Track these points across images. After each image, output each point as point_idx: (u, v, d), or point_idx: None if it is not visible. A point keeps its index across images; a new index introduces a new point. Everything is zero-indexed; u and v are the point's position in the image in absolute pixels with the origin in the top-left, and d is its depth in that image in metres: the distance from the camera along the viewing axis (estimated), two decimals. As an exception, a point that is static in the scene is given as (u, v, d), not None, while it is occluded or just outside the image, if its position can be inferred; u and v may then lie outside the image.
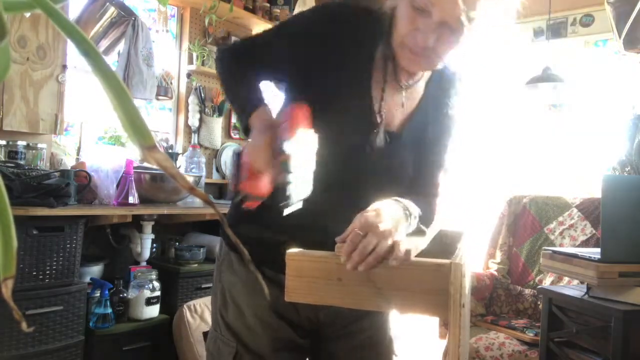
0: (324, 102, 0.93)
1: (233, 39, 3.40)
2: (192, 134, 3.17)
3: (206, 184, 3.10)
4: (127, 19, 2.59)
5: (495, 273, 2.69)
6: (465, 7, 0.84)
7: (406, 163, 1.02)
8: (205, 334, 2.30)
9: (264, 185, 0.82)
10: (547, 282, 2.52)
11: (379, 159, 0.98)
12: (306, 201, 0.84)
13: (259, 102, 0.94)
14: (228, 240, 1.07)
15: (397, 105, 1.01)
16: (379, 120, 0.98)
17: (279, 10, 3.61)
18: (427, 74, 1.05)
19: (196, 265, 2.54)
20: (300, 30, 1.00)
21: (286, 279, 0.80)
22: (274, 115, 0.93)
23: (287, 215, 0.87)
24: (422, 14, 0.87)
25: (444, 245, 1.01)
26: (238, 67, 1.03)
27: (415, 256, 0.78)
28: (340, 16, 0.99)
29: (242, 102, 0.96)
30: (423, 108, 1.04)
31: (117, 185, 2.26)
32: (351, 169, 0.98)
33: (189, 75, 3.16)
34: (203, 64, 3.14)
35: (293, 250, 0.82)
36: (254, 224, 0.98)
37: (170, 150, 3.01)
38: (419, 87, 1.05)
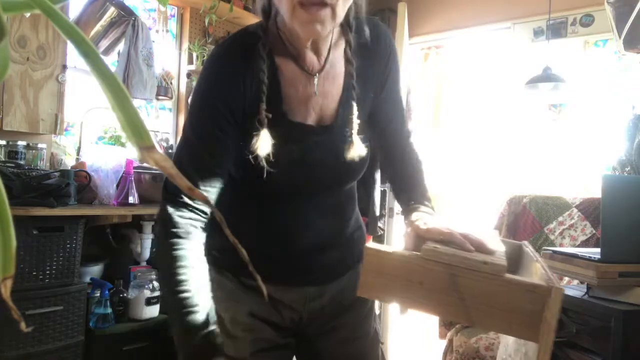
0: (257, 129, 0.87)
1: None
2: (192, 134, 3.16)
3: (206, 184, 3.10)
4: (127, 19, 2.59)
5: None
6: None
7: (356, 149, 0.95)
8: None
9: None
10: (547, 282, 2.52)
11: (322, 157, 0.94)
12: (273, 214, 0.85)
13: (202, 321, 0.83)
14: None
15: (322, 94, 0.95)
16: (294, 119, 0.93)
17: (279, 10, 3.61)
18: (339, 50, 0.96)
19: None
20: (215, 102, 0.90)
21: (362, 273, 0.75)
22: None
23: (259, 225, 0.92)
24: None
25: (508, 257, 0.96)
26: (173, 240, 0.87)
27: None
28: (222, 60, 0.92)
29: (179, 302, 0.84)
30: (349, 82, 0.95)
31: (117, 185, 2.26)
32: (301, 178, 0.94)
33: (189, 75, 3.16)
34: (203, 63, 3.14)
35: (371, 245, 0.76)
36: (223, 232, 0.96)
37: (170, 151, 3.01)
38: (337, 67, 0.96)
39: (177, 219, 0.85)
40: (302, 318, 1.04)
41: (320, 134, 0.94)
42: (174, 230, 0.85)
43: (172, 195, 0.87)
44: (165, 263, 0.85)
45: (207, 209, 0.87)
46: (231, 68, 0.90)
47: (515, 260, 0.93)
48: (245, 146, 0.87)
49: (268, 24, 0.91)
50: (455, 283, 0.69)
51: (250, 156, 0.86)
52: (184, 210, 0.86)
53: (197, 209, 0.87)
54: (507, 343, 0.97)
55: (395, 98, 1.05)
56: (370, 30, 0.98)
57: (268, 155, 0.86)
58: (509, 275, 0.70)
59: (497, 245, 0.79)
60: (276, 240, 0.99)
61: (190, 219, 0.86)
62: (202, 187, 0.86)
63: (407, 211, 0.94)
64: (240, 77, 0.89)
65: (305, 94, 0.93)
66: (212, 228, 0.94)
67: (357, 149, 0.92)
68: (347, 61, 0.95)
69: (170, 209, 0.86)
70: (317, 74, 0.94)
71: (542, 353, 0.66)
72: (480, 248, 0.74)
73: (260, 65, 0.88)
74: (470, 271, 0.69)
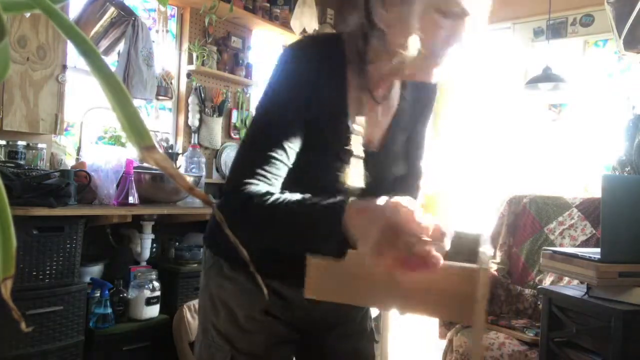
0: (314, 141, 0.90)
1: (233, 39, 3.40)
2: (192, 134, 3.17)
3: (206, 184, 3.10)
4: (127, 19, 2.59)
5: (495, 273, 2.69)
6: None
7: (388, 176, 1.02)
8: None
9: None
10: (547, 282, 2.52)
11: (362, 178, 0.97)
12: None
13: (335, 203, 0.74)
14: (215, 247, 1.06)
15: (374, 122, 0.99)
16: (357, 142, 0.95)
17: (279, 11, 3.61)
18: (398, 84, 1.02)
19: (196, 265, 2.54)
20: (297, 87, 0.91)
21: (307, 274, 0.78)
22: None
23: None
24: (447, 15, 0.82)
25: (461, 246, 1.00)
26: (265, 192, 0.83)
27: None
28: (307, 54, 0.93)
29: (308, 219, 0.77)
30: (399, 118, 1.02)
31: (117, 185, 2.26)
32: (338, 191, 0.94)
33: (189, 75, 3.16)
34: (203, 64, 3.14)
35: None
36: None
37: (170, 150, 3.01)
38: (393, 98, 1.02)
39: (252, 189, 0.82)
40: (312, 317, 1.07)
41: (367, 158, 0.97)
42: (255, 195, 0.81)
43: (235, 187, 0.84)
44: (270, 216, 0.80)
45: (272, 176, 0.85)
46: (315, 73, 0.91)
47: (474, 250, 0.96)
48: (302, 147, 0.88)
49: (358, 43, 0.93)
50: (395, 275, 0.71)
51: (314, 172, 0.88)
52: (254, 185, 0.83)
53: (265, 179, 0.84)
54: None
55: (422, 137, 1.10)
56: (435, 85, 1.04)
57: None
58: (443, 262, 0.72)
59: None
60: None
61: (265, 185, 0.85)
62: (266, 170, 0.85)
63: None
64: (320, 84, 0.91)
65: (368, 119, 0.97)
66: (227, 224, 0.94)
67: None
68: (402, 98, 1.01)
69: (243, 193, 0.82)
70: (381, 103, 0.98)
71: (476, 332, 0.68)
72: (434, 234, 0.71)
73: (337, 82, 0.92)
74: None
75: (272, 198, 0.80)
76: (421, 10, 0.83)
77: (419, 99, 1.06)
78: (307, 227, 0.77)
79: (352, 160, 0.94)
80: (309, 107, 0.90)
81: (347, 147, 0.92)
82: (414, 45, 0.84)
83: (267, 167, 0.85)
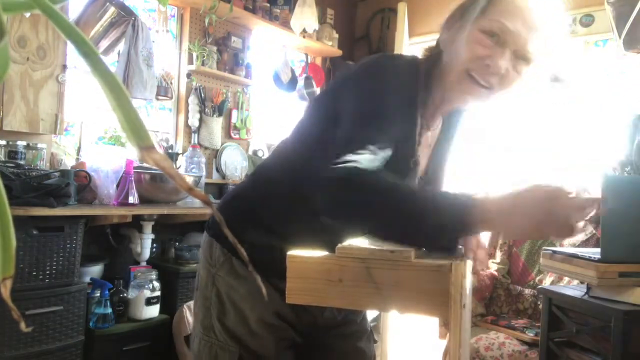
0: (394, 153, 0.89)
1: (233, 39, 3.40)
2: (192, 134, 3.17)
3: (206, 184, 3.10)
4: (127, 19, 2.59)
5: (495, 273, 2.69)
6: (542, 41, 0.83)
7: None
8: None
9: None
10: (547, 282, 2.52)
11: None
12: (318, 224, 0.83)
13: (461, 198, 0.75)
14: (229, 243, 1.02)
15: (425, 148, 1.03)
16: (414, 166, 0.98)
17: (279, 11, 3.61)
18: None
19: (196, 265, 2.54)
20: (399, 92, 0.91)
21: (287, 280, 0.80)
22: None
23: (298, 226, 0.90)
24: (493, 38, 0.84)
25: None
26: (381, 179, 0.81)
27: (417, 257, 0.78)
28: (399, 69, 0.93)
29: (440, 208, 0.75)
30: (439, 144, 1.07)
31: (117, 185, 2.26)
32: None
33: (189, 75, 3.16)
34: (203, 64, 3.14)
35: (293, 252, 0.82)
36: (261, 229, 0.99)
37: (170, 151, 3.01)
38: (437, 124, 1.05)
39: (360, 168, 0.79)
40: (317, 321, 1.09)
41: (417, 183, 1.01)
42: (364, 173, 0.79)
43: (330, 174, 0.80)
44: (388, 191, 0.78)
45: (371, 154, 0.81)
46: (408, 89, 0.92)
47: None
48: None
49: (428, 67, 0.95)
50: (370, 275, 0.75)
51: None
52: (353, 164, 0.80)
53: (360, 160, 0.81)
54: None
55: (448, 153, 1.12)
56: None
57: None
58: (415, 260, 0.75)
59: None
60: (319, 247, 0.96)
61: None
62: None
63: None
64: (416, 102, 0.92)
65: (423, 143, 1.00)
66: (245, 222, 0.94)
67: None
68: (443, 124, 1.04)
69: (345, 172, 0.78)
70: (430, 130, 1.01)
71: (453, 328, 0.69)
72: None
73: (411, 111, 0.93)
74: (382, 261, 0.75)
75: (390, 178, 0.78)
76: (470, 29, 0.86)
77: (451, 122, 1.08)
78: (429, 215, 0.75)
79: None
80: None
81: (409, 177, 0.95)
82: (461, 63, 0.86)
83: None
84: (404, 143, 0.92)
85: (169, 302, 2.42)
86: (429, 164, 1.05)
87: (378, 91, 0.89)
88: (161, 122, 3.15)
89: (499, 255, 2.77)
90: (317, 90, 3.71)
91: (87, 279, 2.25)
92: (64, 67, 2.34)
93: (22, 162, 2.14)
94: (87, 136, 2.70)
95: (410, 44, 3.70)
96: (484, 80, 0.86)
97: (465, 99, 0.91)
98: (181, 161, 3.01)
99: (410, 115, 0.92)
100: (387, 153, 0.83)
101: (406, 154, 0.93)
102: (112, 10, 2.55)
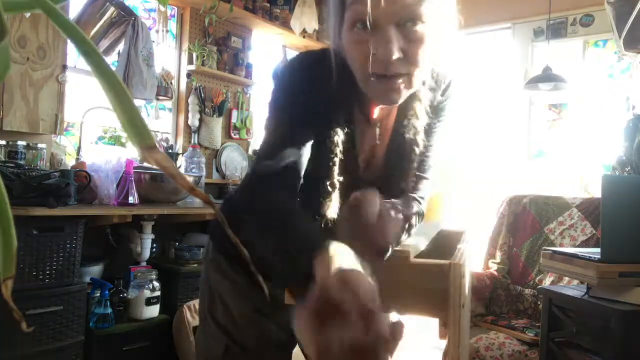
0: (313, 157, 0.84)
1: (233, 39, 3.40)
2: (192, 134, 3.17)
3: (206, 184, 3.10)
4: (127, 19, 2.59)
5: (495, 273, 2.69)
6: None
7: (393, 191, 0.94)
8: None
9: None
10: (547, 282, 2.52)
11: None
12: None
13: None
14: (217, 243, 1.08)
15: (373, 143, 0.93)
16: (360, 168, 0.91)
17: (279, 11, 3.61)
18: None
19: (196, 265, 2.54)
20: (300, 95, 0.84)
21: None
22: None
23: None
24: (365, 28, 0.73)
25: (444, 245, 1.01)
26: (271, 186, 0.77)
27: (415, 257, 0.78)
28: (313, 66, 0.86)
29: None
30: (395, 134, 0.93)
31: (117, 185, 2.26)
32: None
33: (189, 75, 3.16)
34: (203, 64, 3.14)
35: None
36: (246, 230, 0.98)
37: (170, 151, 3.01)
38: (390, 118, 0.93)
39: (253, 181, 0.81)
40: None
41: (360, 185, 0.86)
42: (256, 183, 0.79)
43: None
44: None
45: (269, 166, 0.78)
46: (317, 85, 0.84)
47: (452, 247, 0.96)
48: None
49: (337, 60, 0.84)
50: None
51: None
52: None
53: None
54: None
55: (429, 150, 0.99)
56: (443, 90, 0.94)
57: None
58: (414, 259, 0.74)
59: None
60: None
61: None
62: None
63: None
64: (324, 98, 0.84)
65: (364, 140, 0.91)
66: (228, 220, 0.93)
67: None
68: (398, 120, 0.91)
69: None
70: (379, 124, 0.91)
71: (452, 328, 0.69)
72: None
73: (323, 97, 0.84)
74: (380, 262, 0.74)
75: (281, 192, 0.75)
76: (344, 29, 0.77)
77: (406, 109, 0.93)
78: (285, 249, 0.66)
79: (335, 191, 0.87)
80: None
81: (329, 179, 0.86)
82: (357, 69, 0.77)
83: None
84: (321, 144, 0.84)
85: (169, 302, 2.42)
86: (387, 159, 0.93)
87: (277, 101, 0.86)
88: (161, 122, 3.14)
89: (499, 255, 2.77)
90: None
91: (87, 279, 2.25)
92: (64, 67, 2.34)
93: (22, 162, 2.14)
94: (87, 136, 2.70)
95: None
96: (388, 71, 0.75)
97: (388, 96, 0.79)
98: (181, 161, 3.01)
99: (321, 115, 0.84)
100: (290, 160, 0.79)
101: (326, 155, 0.85)
102: (112, 10, 2.55)
